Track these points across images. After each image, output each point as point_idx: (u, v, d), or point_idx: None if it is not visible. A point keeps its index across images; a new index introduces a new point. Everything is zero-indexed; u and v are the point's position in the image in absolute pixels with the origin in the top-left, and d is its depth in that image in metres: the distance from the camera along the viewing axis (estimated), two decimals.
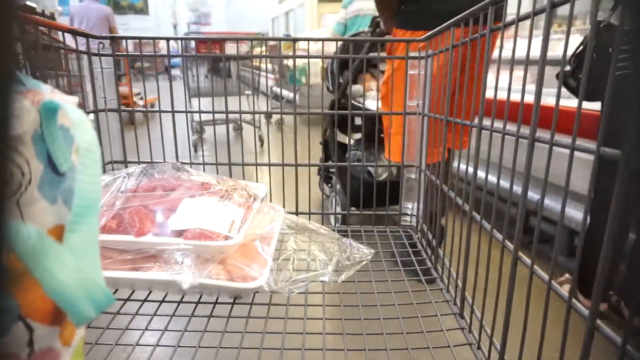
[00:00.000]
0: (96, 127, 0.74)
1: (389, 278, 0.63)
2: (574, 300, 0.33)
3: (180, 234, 0.54)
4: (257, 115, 3.62)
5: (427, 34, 0.76)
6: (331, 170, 2.05)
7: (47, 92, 0.27)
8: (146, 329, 0.52)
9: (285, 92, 5.01)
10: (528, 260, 0.41)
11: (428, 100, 0.77)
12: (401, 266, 0.69)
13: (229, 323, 0.53)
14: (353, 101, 1.91)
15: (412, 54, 0.80)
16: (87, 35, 0.73)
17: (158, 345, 0.49)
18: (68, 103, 0.27)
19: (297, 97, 4.27)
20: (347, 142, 1.35)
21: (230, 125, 3.68)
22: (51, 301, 0.24)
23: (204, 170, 0.72)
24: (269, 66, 4.97)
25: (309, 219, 0.75)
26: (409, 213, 0.86)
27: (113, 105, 0.79)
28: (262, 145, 3.52)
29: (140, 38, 0.76)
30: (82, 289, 0.24)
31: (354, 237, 0.73)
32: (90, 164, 0.25)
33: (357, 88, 2.06)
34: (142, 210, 0.57)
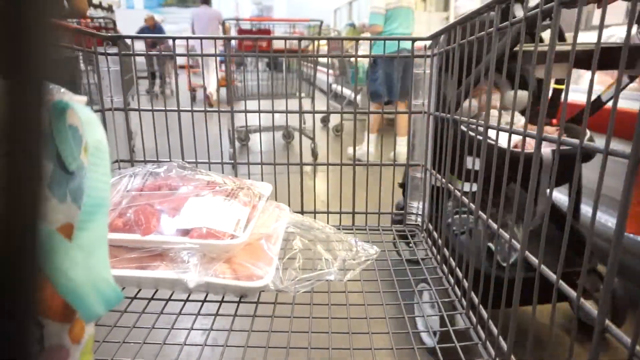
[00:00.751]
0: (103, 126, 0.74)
1: (394, 277, 0.63)
2: (582, 300, 0.33)
3: (186, 232, 0.54)
4: (309, 121, 2.89)
5: (432, 33, 0.76)
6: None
7: (56, 92, 0.27)
8: (153, 327, 0.53)
9: (346, 92, 4.28)
10: (535, 260, 0.40)
11: (434, 99, 0.77)
12: (407, 265, 0.69)
13: (235, 321, 0.54)
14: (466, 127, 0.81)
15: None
16: (93, 35, 0.73)
17: (165, 344, 0.49)
18: (77, 102, 0.27)
19: (358, 97, 3.62)
20: (446, 189, 0.71)
21: (280, 133, 3.12)
22: (61, 298, 0.25)
23: (210, 169, 0.72)
24: (325, 60, 4.40)
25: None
26: (415, 212, 0.86)
27: (119, 104, 0.79)
28: (315, 159, 2.74)
29: (149, 37, 0.76)
30: (92, 286, 0.24)
31: (360, 236, 0.73)
32: (99, 163, 0.25)
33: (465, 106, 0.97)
34: (148, 209, 0.57)
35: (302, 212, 0.82)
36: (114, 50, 0.77)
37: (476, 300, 0.56)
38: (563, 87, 1.14)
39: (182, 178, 0.65)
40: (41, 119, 0.13)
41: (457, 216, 0.73)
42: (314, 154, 2.87)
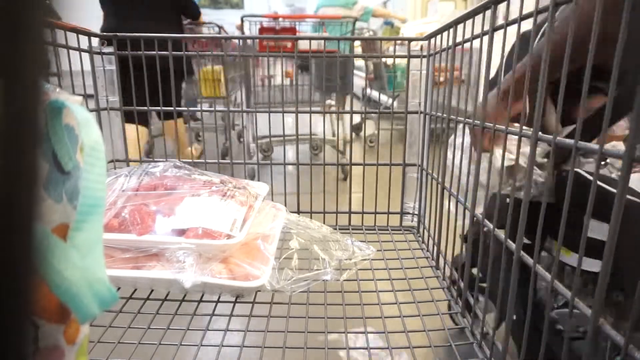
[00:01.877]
0: (98, 125, 0.74)
1: (390, 277, 0.63)
2: (577, 299, 0.34)
3: (182, 232, 0.54)
4: (339, 131, 2.51)
5: (428, 33, 0.76)
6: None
7: (52, 92, 0.27)
8: (149, 328, 0.53)
9: (383, 98, 3.76)
10: (530, 260, 0.41)
11: (430, 99, 0.77)
12: (402, 265, 0.69)
13: (231, 322, 0.54)
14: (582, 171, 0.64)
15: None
16: (89, 34, 0.73)
17: (161, 344, 0.49)
18: (73, 102, 0.27)
19: (395, 104, 3.24)
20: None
21: (307, 145, 2.62)
22: (56, 299, 0.24)
23: (206, 169, 0.72)
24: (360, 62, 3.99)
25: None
26: (411, 212, 0.86)
27: (115, 104, 0.79)
28: (345, 178, 2.22)
29: (141, 37, 0.76)
30: (87, 286, 0.24)
31: (356, 236, 0.73)
32: (96, 163, 0.25)
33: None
34: (143, 209, 0.57)
35: (298, 212, 0.82)
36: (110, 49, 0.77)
37: (471, 300, 0.56)
38: None
39: (178, 178, 0.65)
40: (38, 118, 0.13)
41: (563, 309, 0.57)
42: (344, 171, 2.27)
